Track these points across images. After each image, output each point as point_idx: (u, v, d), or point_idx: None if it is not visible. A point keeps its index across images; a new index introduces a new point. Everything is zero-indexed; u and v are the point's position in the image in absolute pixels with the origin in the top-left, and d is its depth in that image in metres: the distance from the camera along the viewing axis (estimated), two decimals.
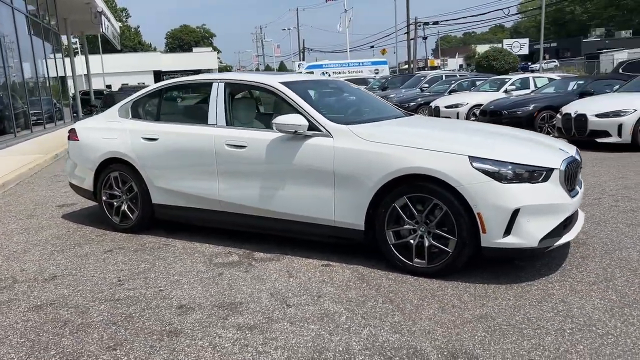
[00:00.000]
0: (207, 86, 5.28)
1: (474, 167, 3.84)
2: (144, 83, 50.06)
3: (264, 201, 4.69)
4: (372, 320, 3.41)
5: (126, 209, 5.58)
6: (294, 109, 4.63)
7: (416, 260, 4.11)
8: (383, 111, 5.40)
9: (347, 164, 4.26)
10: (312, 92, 5.07)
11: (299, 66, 43.84)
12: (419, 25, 46.82)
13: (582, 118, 10.48)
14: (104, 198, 5.72)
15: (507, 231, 3.80)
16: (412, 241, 4.10)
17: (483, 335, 3.17)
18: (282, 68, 75.48)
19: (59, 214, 6.67)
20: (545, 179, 3.91)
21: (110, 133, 5.61)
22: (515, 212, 3.77)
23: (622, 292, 3.71)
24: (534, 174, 3.89)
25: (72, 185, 6.20)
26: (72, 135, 6.01)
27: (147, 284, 4.18)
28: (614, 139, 10.06)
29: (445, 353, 2.99)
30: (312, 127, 4.47)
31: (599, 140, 10.24)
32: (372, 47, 55.57)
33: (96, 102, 32.71)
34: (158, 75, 64.15)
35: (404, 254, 4.15)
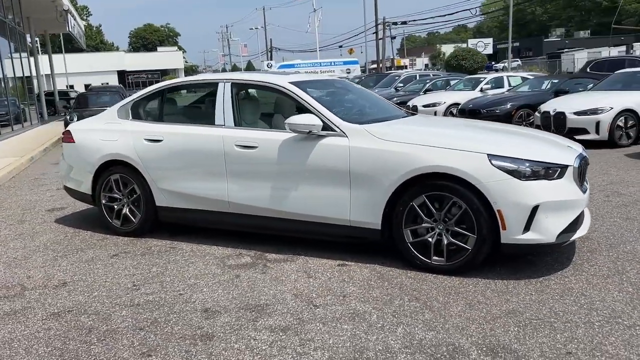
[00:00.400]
0: (211, 86, 5.22)
1: (493, 164, 3.91)
2: (107, 83, 49.04)
3: (277, 202, 4.66)
4: (404, 319, 3.43)
5: (128, 212, 5.47)
6: (305, 109, 4.61)
7: (434, 258, 4.15)
8: (388, 111, 5.43)
9: (364, 164, 4.27)
10: (320, 92, 5.06)
11: (268, 66, 43.59)
12: (387, 25, 47.25)
13: (560, 116, 10.76)
14: (103, 201, 5.58)
15: (527, 227, 3.88)
16: (430, 239, 4.15)
17: (516, 330, 3.23)
18: (250, 67, 74.90)
19: (51, 218, 6.48)
20: (560, 176, 4.01)
21: (110, 134, 5.48)
22: (535, 209, 3.85)
23: (637, 284, 3.83)
24: (549, 171, 3.98)
25: (67, 189, 6.03)
26: (67, 137, 5.85)
27: (164, 288, 4.11)
28: (592, 136, 10.36)
29: (484, 349, 3.03)
30: (325, 127, 4.46)
31: (577, 137, 10.49)
32: (340, 46, 55.85)
33: (60, 102, 31.94)
34: (122, 75, 63.03)
35: (422, 252, 4.19)
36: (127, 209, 5.47)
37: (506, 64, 54.16)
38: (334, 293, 3.88)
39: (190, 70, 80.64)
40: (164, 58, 67.08)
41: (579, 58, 47.29)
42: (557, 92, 12.79)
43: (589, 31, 67.12)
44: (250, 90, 5.46)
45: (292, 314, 3.57)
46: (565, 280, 3.96)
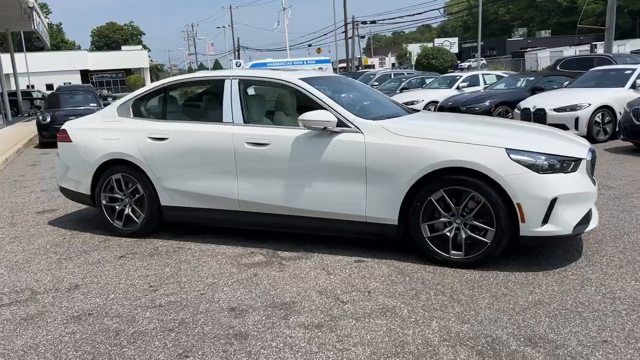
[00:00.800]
0: (217, 83, 5.13)
1: (511, 158, 3.97)
2: (70, 83, 47.81)
3: (289, 199, 4.63)
4: (435, 312, 3.45)
5: (130, 212, 5.34)
6: (318, 106, 4.59)
7: (453, 252, 4.19)
8: (392, 107, 5.43)
9: (381, 160, 4.27)
10: (329, 89, 5.02)
11: (236, 65, 43.17)
12: (357, 25, 47.50)
13: (541, 112, 11.00)
14: (103, 202, 5.43)
15: (545, 220, 3.95)
16: (448, 233, 4.18)
17: (548, 321, 3.28)
18: (217, 66, 74.10)
19: (43, 220, 6.27)
20: (575, 169, 4.10)
21: (111, 133, 5.34)
22: (553, 201, 3.93)
23: None
24: (564, 164, 4.07)
25: (63, 190, 5.84)
26: (63, 136, 5.67)
27: (183, 289, 4.03)
28: (571, 132, 10.61)
29: (522, 339, 3.08)
30: (339, 123, 4.45)
31: None
32: (309, 45, 55.82)
33: (24, 103, 30.99)
34: (85, 75, 61.51)
35: (440, 247, 4.23)
36: (130, 209, 5.34)
37: (471, 63, 55.27)
38: (358, 289, 3.87)
39: (155, 69, 79.27)
40: (128, 57, 65.68)
41: (542, 57, 48.60)
42: (533, 90, 13.08)
43: (550, 31, 68.91)
44: (256, 87, 5.39)
45: (322, 310, 3.55)
46: (582, 271, 4.05)
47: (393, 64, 71.40)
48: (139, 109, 5.43)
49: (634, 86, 11.03)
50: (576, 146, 4.32)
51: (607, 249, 4.49)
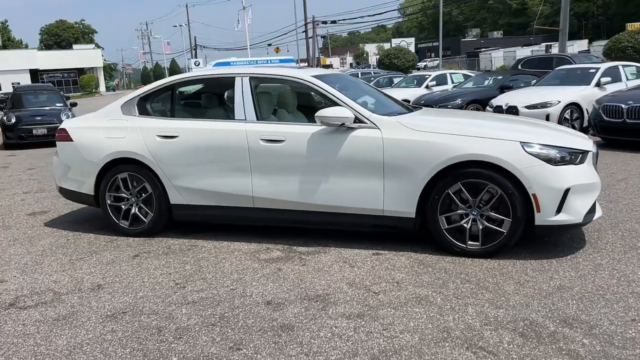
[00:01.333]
0: (227, 81, 5.14)
1: (526, 151, 4.16)
2: (19, 83, 46.12)
3: (307, 195, 4.69)
4: (468, 300, 3.59)
5: (137, 211, 5.28)
6: (332, 103, 4.67)
7: (470, 242, 4.35)
8: (396, 104, 5.56)
9: (399, 154, 4.39)
10: (339, 86, 5.11)
11: (195, 64, 42.68)
12: (317, 24, 47.73)
13: (513, 110, 11.40)
14: (108, 202, 5.35)
15: (559, 210, 4.16)
16: (465, 225, 4.34)
17: (576, 304, 3.47)
18: (174, 65, 72.85)
19: (39, 222, 6.11)
20: (582, 161, 4.33)
21: (116, 132, 5.27)
22: (566, 192, 4.14)
23: None
24: (573, 156, 4.29)
25: (63, 191, 5.71)
26: (63, 135, 5.55)
27: (211, 285, 4.04)
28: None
29: (557, 321, 3.25)
30: (356, 119, 4.54)
31: None
32: (269, 45, 55.68)
33: None
34: (35, 75, 59.45)
35: (457, 238, 4.38)
36: (137, 209, 5.28)
37: (427, 63, 56.31)
38: (386, 280, 3.98)
39: (109, 68, 77.29)
40: (81, 56, 63.84)
41: (496, 57, 50.12)
42: (502, 88, 13.54)
43: (502, 32, 71.03)
44: (266, 85, 5.42)
45: (357, 301, 3.64)
46: (591, 257, 4.28)
47: (351, 64, 72.08)
48: (144, 107, 5.37)
49: (598, 84, 11.60)
50: (582, 139, 4.56)
51: (607, 237, 4.75)
